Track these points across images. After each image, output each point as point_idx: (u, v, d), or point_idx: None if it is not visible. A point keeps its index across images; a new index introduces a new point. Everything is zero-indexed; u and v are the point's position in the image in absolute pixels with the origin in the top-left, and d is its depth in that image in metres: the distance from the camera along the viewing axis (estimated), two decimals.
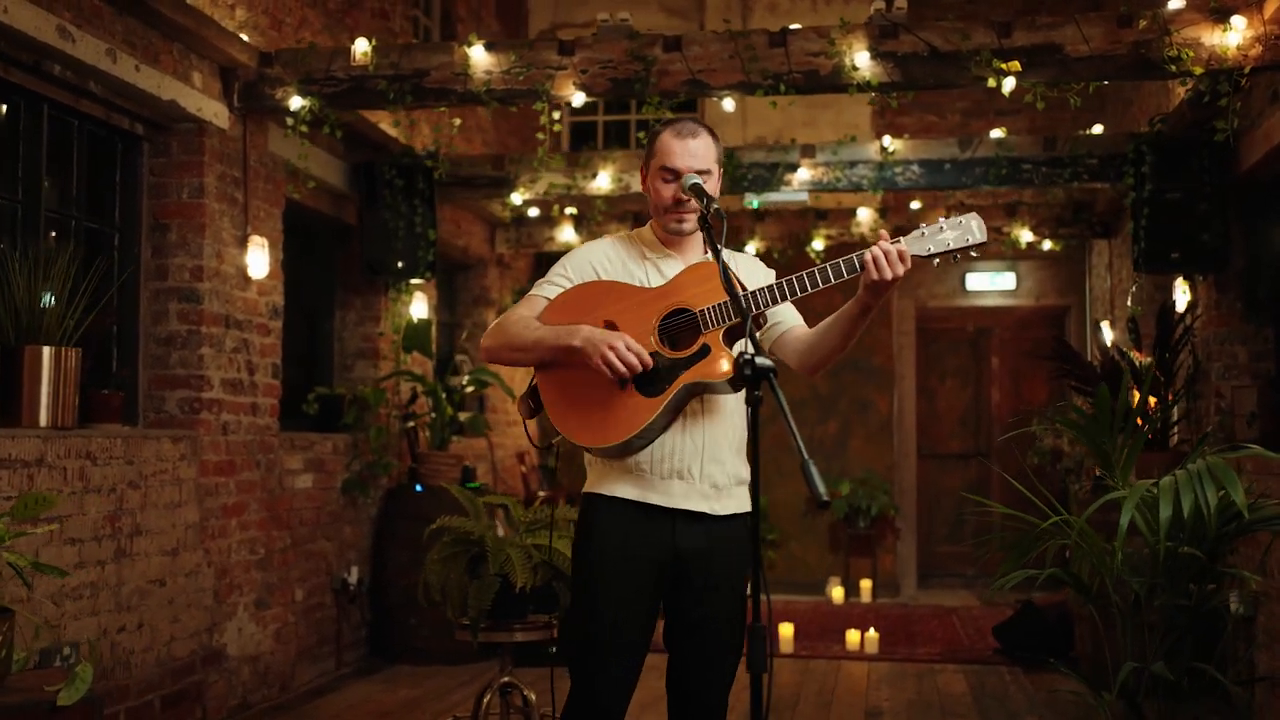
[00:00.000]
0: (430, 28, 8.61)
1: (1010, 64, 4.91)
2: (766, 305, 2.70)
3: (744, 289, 2.68)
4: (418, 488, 6.86)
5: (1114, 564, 3.08)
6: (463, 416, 7.40)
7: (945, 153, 6.90)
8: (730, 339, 2.72)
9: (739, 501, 2.82)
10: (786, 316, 2.91)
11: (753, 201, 7.39)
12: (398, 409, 7.16)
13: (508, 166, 7.21)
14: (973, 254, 2.70)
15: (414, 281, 7.09)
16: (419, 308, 7.35)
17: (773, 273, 2.95)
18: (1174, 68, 4.85)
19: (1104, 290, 8.94)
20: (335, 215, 6.81)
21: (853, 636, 7.18)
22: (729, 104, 5.48)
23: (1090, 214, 8.30)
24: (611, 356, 2.63)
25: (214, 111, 5.30)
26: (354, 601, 6.62)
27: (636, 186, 7.24)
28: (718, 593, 2.77)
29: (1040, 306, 10.02)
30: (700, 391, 2.73)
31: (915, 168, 6.91)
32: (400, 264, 6.73)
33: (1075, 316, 9.80)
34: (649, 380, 2.69)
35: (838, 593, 9.21)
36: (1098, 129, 7.21)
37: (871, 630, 7.16)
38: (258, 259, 5.57)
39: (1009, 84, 4.94)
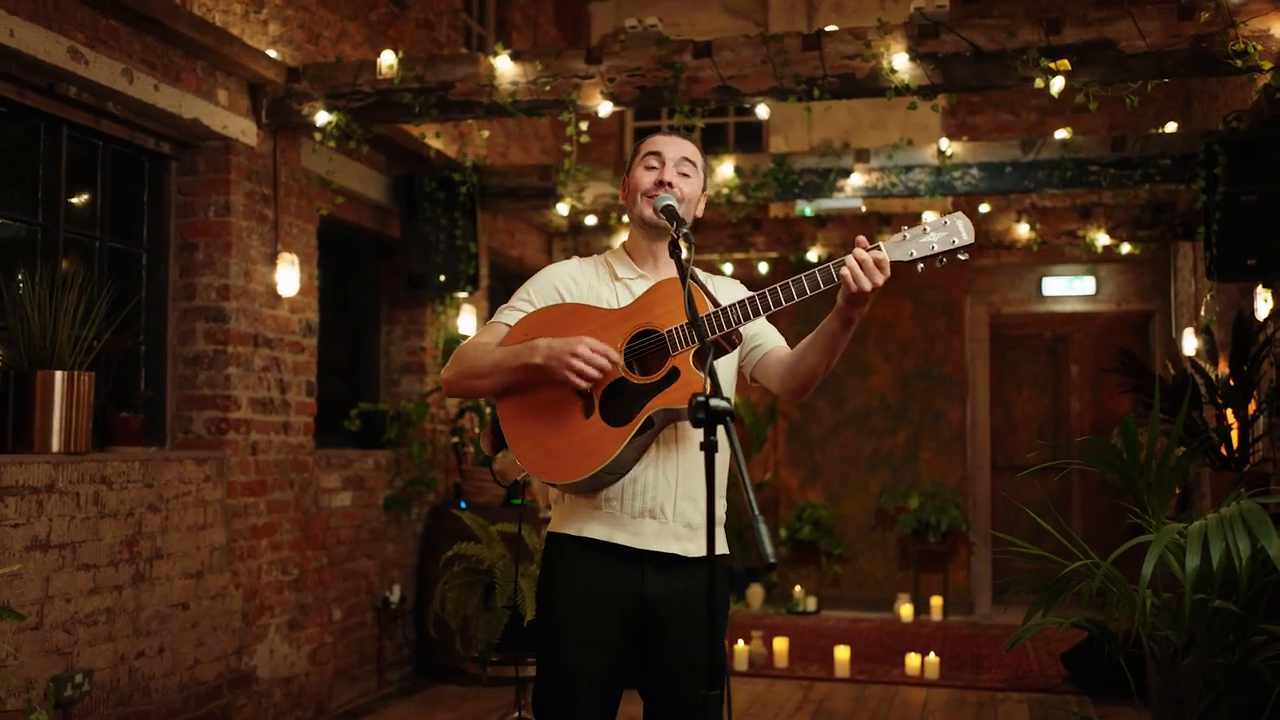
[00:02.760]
0: (485, 36, 8.51)
1: (1059, 63, 4.61)
2: (738, 323, 2.46)
3: (717, 305, 2.48)
4: (462, 505, 6.75)
5: (1144, 613, 2.80)
6: None
7: (1007, 155, 6.57)
8: (702, 360, 2.52)
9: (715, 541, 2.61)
10: (767, 338, 2.71)
11: (805, 209, 7.13)
12: (444, 424, 7.06)
13: (554, 176, 7.06)
14: (960, 256, 2.41)
15: (459, 295, 7.00)
16: (466, 321, 7.24)
17: (743, 288, 2.76)
18: (1240, 63, 4.50)
19: (1189, 295, 8.48)
20: (379, 229, 6.73)
21: (913, 661, 6.88)
22: (763, 110, 5.25)
23: (1172, 215, 7.85)
24: (579, 364, 2.45)
25: (241, 128, 5.24)
26: (396, 621, 6.54)
27: None
28: (694, 639, 2.55)
29: (1122, 312, 9.56)
30: (672, 419, 2.54)
31: (975, 171, 6.60)
32: (442, 278, 6.63)
33: (1160, 322, 9.33)
34: (616, 407, 2.50)
35: (906, 610, 8.89)
36: (1171, 127, 6.80)
37: (932, 655, 6.86)
38: (288, 276, 5.50)
39: (1058, 84, 4.64)
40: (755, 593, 9.35)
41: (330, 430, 6.32)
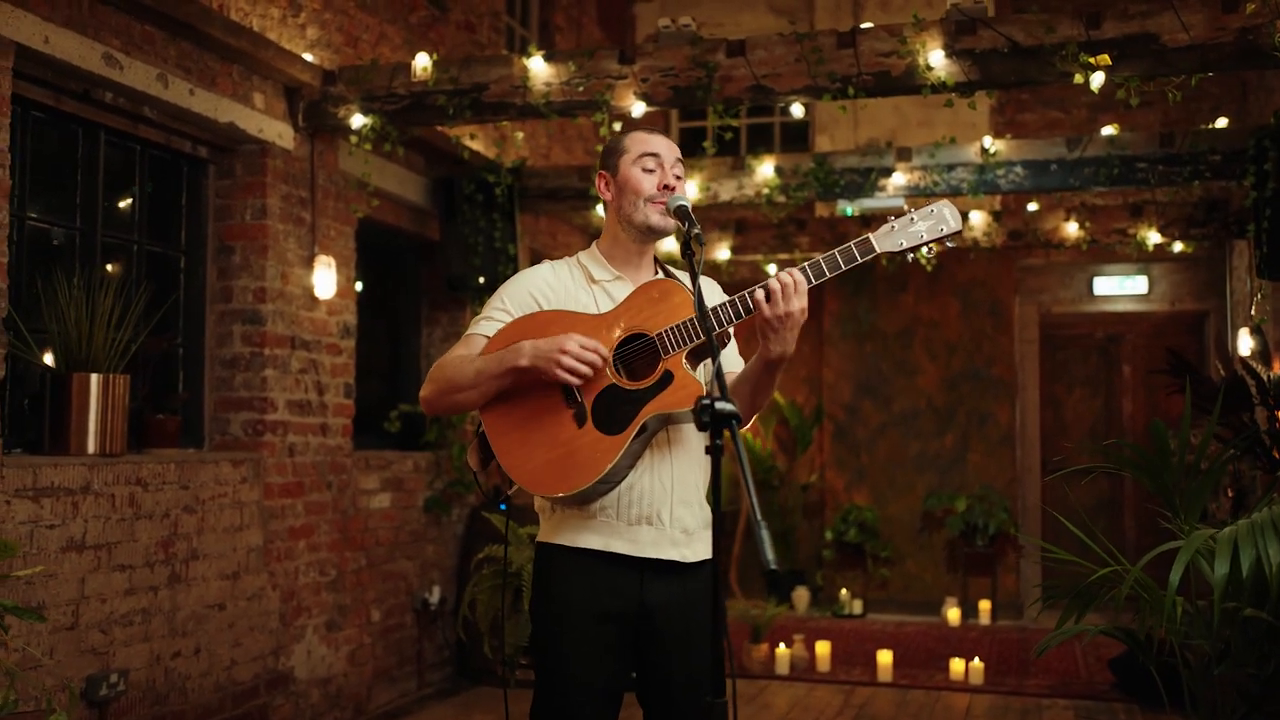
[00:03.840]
0: (527, 38, 8.52)
1: (1099, 58, 4.50)
2: (730, 322, 2.44)
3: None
4: (501, 506, 6.73)
5: (1174, 621, 2.72)
6: None
7: (1052, 153, 6.45)
8: (694, 362, 2.48)
9: (709, 546, 2.57)
10: (726, 356, 2.65)
11: (846, 209, 7.05)
12: None
13: (593, 178, 7.04)
14: (949, 243, 2.40)
15: None
16: None
17: (720, 289, 2.72)
18: None
19: (1245, 294, 8.28)
20: (418, 231, 6.76)
21: (957, 665, 6.78)
22: (798, 109, 5.20)
23: (1225, 212, 7.66)
24: (570, 362, 2.40)
25: (277, 132, 5.27)
26: (435, 622, 6.55)
27: (725, 195, 7.00)
28: (693, 646, 2.52)
29: (1176, 312, 9.37)
30: (667, 423, 2.49)
31: (1019, 169, 6.48)
32: (481, 279, 6.64)
33: (1215, 322, 9.13)
34: (609, 414, 2.45)
35: (954, 614, 8.77)
36: (1222, 122, 6.64)
37: (976, 660, 6.75)
38: (324, 279, 5.52)
39: (1098, 79, 4.54)
40: (801, 596, 9.27)
41: (370, 432, 6.35)
